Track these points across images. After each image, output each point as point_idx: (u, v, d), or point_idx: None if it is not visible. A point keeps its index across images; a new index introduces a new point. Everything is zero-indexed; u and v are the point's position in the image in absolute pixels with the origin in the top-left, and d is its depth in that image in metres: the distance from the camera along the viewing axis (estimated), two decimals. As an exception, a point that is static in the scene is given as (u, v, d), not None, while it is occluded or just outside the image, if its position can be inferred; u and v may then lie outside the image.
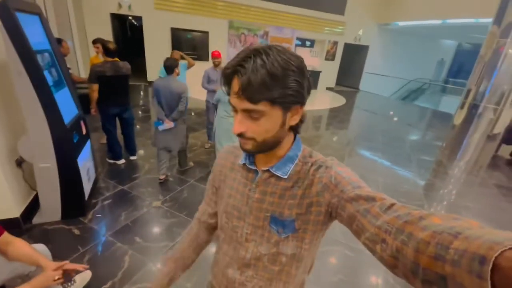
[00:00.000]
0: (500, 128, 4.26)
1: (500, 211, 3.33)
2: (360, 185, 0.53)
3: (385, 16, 11.08)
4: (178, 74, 2.87)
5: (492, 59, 3.92)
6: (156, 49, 8.03)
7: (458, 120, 4.55)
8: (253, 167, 0.66)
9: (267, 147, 0.59)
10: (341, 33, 11.00)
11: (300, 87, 0.53)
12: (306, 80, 0.55)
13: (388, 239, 0.40)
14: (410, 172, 4.14)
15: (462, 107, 4.47)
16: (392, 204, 0.44)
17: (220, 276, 0.76)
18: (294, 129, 0.63)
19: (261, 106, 0.52)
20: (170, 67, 2.76)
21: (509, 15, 3.69)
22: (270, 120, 0.54)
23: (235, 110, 0.56)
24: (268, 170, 0.63)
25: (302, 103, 0.57)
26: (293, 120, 0.58)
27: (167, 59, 2.81)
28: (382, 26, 11.62)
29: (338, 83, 12.50)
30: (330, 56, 11.34)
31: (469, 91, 4.34)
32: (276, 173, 0.62)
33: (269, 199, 0.63)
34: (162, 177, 3.04)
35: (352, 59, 12.13)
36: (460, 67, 16.07)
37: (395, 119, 8.20)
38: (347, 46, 11.48)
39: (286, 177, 0.62)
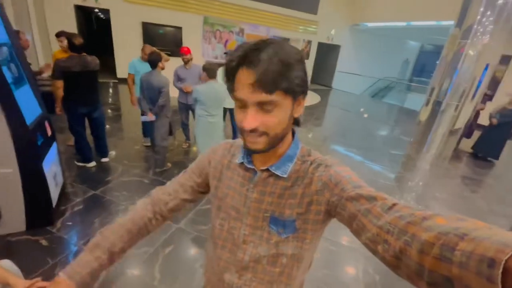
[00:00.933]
0: (461, 123, 4.62)
1: (463, 199, 3.62)
2: (360, 184, 0.53)
3: (355, 17, 11.52)
4: (162, 68, 2.96)
5: (454, 60, 4.23)
6: (126, 44, 7.60)
7: (423, 116, 4.86)
8: (251, 166, 0.64)
9: (276, 142, 0.57)
10: (314, 32, 11.24)
11: (305, 76, 0.54)
12: (305, 71, 0.55)
13: (390, 239, 0.39)
14: (383, 166, 4.35)
15: (427, 104, 4.77)
16: (394, 204, 0.44)
17: (215, 281, 0.72)
18: (295, 123, 0.62)
19: (276, 96, 0.50)
20: (153, 62, 2.85)
21: (470, 18, 4.00)
22: (282, 111, 0.53)
23: (243, 105, 0.53)
24: (267, 170, 0.62)
25: (305, 93, 0.57)
26: (297, 112, 0.58)
27: (151, 54, 2.94)
28: (352, 27, 12.07)
29: (313, 81, 12.79)
30: (304, 55, 11.55)
31: (433, 89, 4.64)
32: (276, 172, 0.61)
33: (267, 199, 0.62)
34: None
35: (325, 58, 12.45)
36: (423, 66, 17.23)
37: (366, 115, 8.57)
38: (320, 45, 11.76)
39: (286, 176, 0.61)
